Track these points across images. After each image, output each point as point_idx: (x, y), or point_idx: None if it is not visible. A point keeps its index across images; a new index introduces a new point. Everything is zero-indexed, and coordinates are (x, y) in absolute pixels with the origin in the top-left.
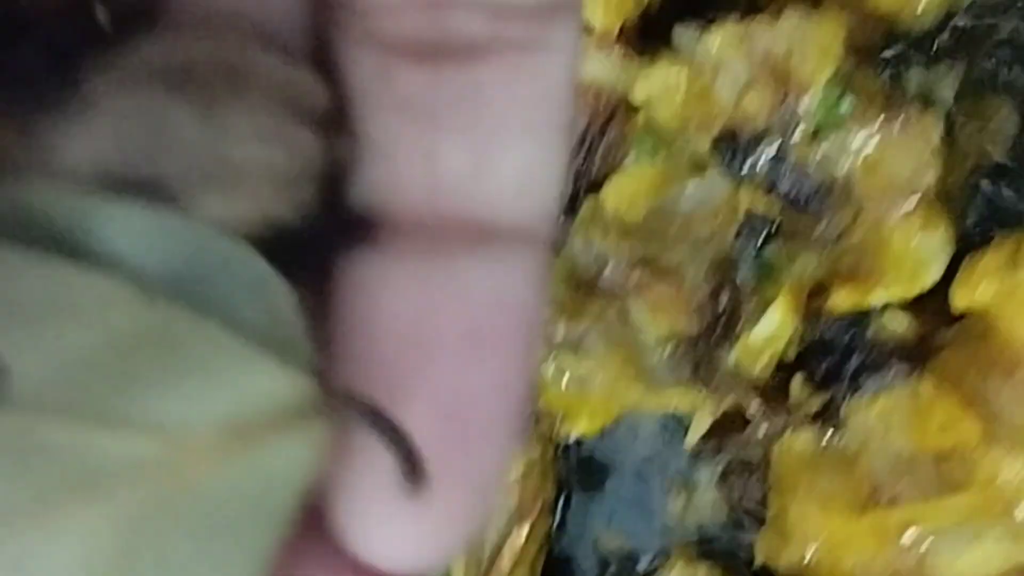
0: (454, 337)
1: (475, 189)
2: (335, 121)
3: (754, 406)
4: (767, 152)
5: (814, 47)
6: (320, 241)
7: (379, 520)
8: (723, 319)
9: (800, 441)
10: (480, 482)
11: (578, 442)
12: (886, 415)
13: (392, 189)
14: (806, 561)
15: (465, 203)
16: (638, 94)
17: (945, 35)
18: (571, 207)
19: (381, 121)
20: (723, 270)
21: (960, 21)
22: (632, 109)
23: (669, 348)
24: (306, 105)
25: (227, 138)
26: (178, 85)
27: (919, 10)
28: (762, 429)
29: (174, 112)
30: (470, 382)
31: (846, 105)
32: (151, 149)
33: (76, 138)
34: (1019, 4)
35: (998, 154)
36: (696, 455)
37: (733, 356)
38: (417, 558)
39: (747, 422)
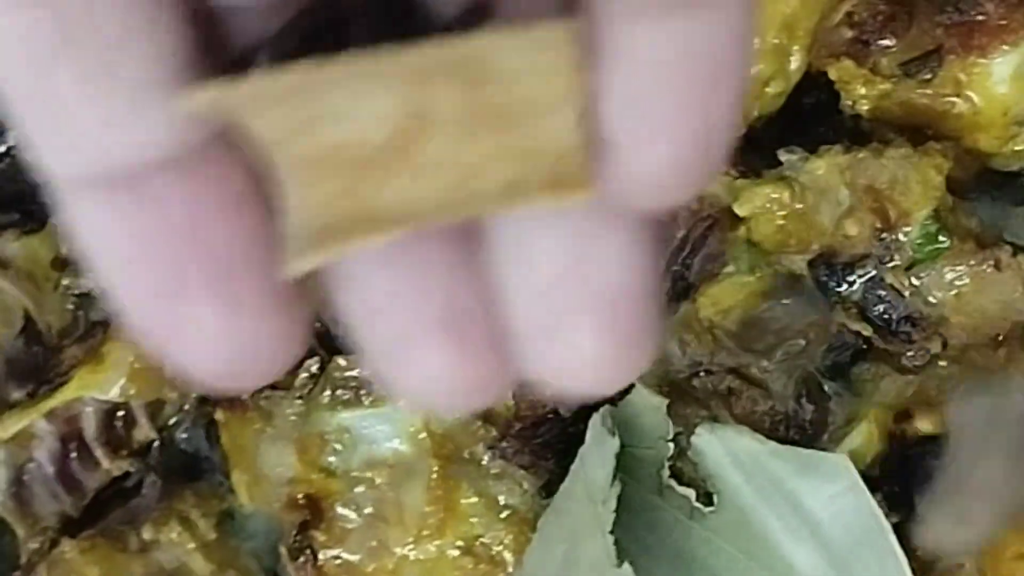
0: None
1: None
2: None
3: None
4: (862, 276)
5: (916, 183)
6: None
7: None
8: (808, 432)
9: None
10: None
11: None
12: None
13: None
14: None
15: None
16: (741, 209)
17: None
18: (669, 309)
19: None
20: (811, 385)
21: None
22: (734, 220)
23: None
24: None
25: None
26: None
27: (1016, 152)
28: None
29: None
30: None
31: (943, 240)
32: None
33: None
34: None
35: None
36: None
37: None
38: None
39: None
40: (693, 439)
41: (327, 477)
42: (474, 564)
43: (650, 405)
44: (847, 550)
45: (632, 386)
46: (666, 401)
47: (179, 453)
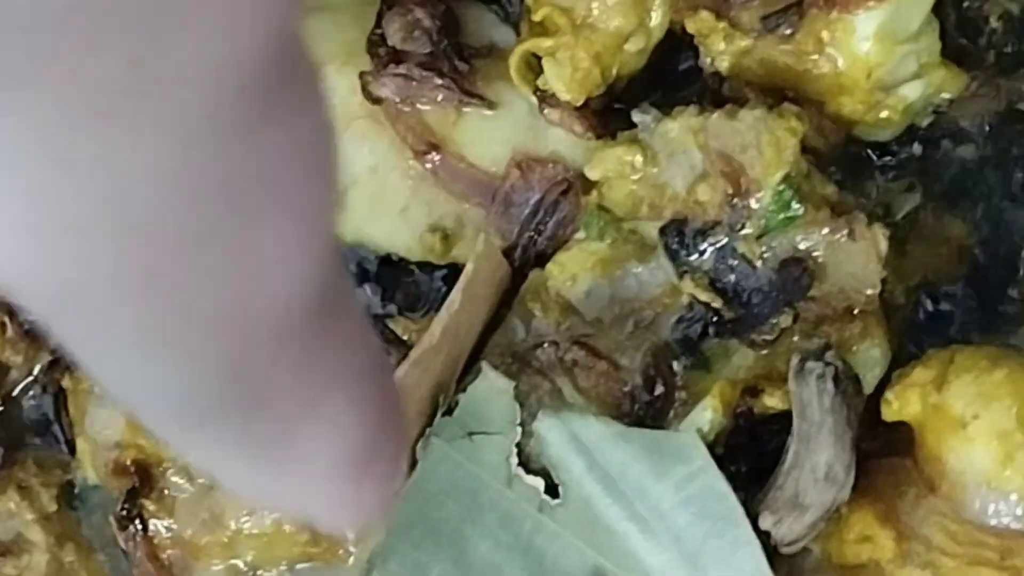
0: None
1: None
2: None
3: None
4: (714, 244)
5: (769, 146)
6: None
7: None
8: (654, 407)
9: None
10: None
11: None
12: None
13: None
14: None
15: None
16: (593, 172)
17: (908, 148)
18: (516, 278)
19: None
20: (659, 358)
21: (923, 136)
22: (587, 184)
23: None
24: None
25: None
26: None
27: (880, 120)
28: None
29: None
30: None
31: (796, 208)
32: None
33: None
34: (983, 127)
35: (946, 275)
36: None
37: None
38: None
39: None
40: (535, 425)
41: (158, 443)
42: (312, 539)
43: (497, 388)
44: (698, 541)
45: (479, 369)
46: (513, 384)
47: (24, 421)
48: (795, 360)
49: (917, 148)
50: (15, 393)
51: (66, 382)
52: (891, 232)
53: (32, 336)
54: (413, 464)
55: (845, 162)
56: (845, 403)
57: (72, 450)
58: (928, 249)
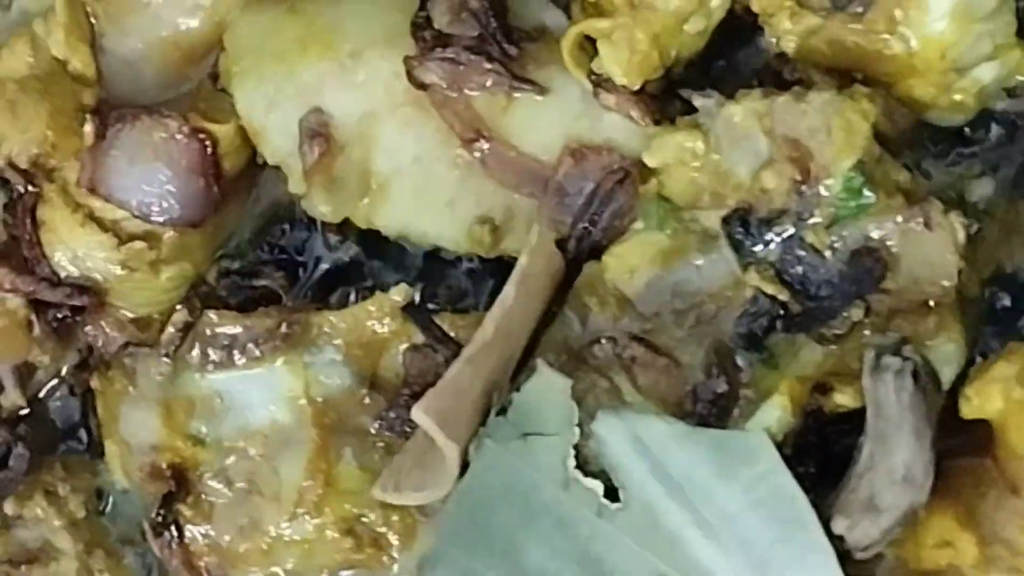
0: None
1: None
2: None
3: None
4: (781, 234)
5: (839, 130)
6: None
7: None
8: (718, 406)
9: None
10: None
11: None
12: None
13: None
14: None
15: None
16: (652, 159)
17: (981, 133)
18: (570, 271)
19: None
20: (722, 354)
21: (997, 120)
22: (645, 172)
23: None
24: None
25: None
26: None
27: (953, 103)
28: None
29: None
30: None
31: (867, 195)
32: None
33: None
34: None
35: (1021, 265)
36: None
37: None
38: None
39: None
40: (594, 426)
41: (195, 445)
42: (356, 546)
43: (554, 387)
44: (767, 546)
45: (534, 367)
46: (571, 382)
47: (50, 423)
48: (870, 355)
49: (991, 133)
50: (41, 395)
51: (95, 383)
52: (966, 220)
53: (60, 334)
54: (465, 467)
55: (915, 148)
56: (925, 400)
57: (100, 453)
58: (1002, 238)
